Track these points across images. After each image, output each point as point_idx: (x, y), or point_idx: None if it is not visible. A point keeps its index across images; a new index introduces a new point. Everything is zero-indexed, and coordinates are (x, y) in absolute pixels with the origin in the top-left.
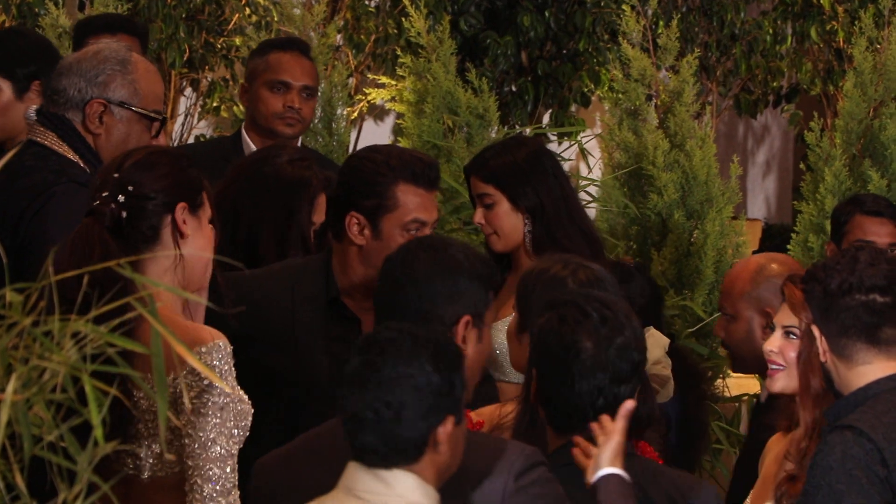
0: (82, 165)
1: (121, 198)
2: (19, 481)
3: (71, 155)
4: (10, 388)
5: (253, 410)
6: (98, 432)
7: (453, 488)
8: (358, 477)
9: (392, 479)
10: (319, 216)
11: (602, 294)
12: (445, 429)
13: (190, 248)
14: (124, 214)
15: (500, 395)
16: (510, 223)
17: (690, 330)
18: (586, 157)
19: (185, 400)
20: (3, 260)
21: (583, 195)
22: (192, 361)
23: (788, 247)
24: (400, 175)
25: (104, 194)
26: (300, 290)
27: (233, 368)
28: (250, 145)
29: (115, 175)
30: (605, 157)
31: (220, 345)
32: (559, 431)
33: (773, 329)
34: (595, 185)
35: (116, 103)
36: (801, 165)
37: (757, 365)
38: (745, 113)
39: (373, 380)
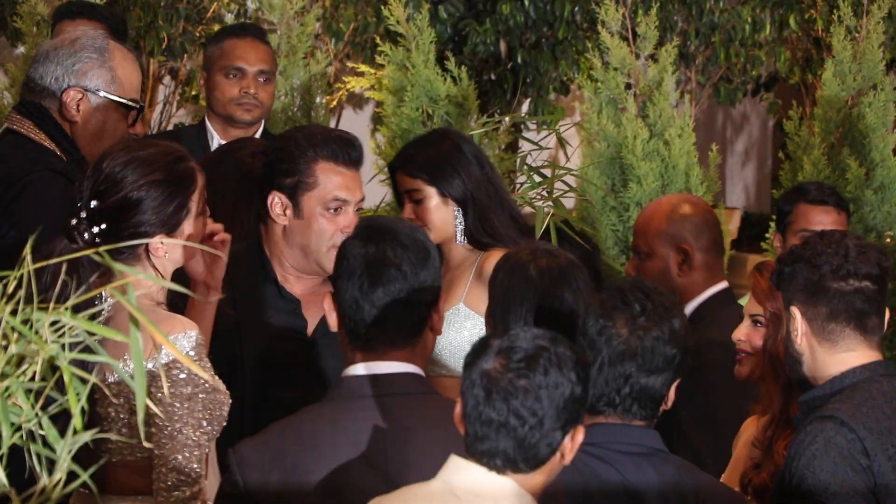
0: (59, 153)
1: (95, 229)
2: None
3: (48, 143)
4: None
5: (230, 401)
6: (77, 421)
7: None
8: (462, 475)
9: (492, 482)
10: None
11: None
12: (575, 439)
13: (166, 264)
14: (98, 241)
15: (440, 390)
16: (440, 216)
17: None
18: (565, 147)
19: (164, 388)
20: None
21: (560, 185)
22: (171, 349)
23: (767, 235)
24: (320, 153)
25: (82, 216)
26: (238, 278)
27: (205, 358)
28: (213, 133)
29: (94, 204)
30: (585, 147)
31: (192, 334)
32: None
33: (690, 266)
34: (574, 175)
35: (93, 91)
36: (780, 154)
37: None
38: (724, 101)
39: (521, 387)
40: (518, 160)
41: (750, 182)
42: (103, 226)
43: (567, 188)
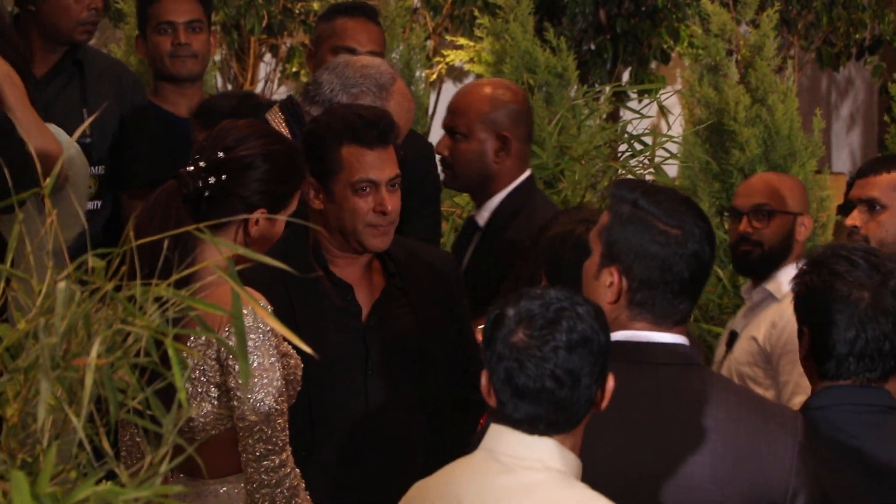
0: None
1: (211, 180)
2: (106, 445)
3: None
4: (94, 352)
5: (302, 365)
6: (182, 395)
7: (748, 437)
8: (503, 440)
9: (534, 444)
10: None
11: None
12: (606, 387)
13: (253, 245)
14: (206, 194)
15: None
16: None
17: None
18: (666, 115)
19: (260, 360)
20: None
21: (662, 152)
22: (272, 322)
23: None
24: (343, 136)
25: (200, 164)
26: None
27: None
28: None
29: (220, 155)
30: (686, 114)
31: (264, 304)
32: (828, 378)
33: (507, 153)
34: (675, 142)
35: None
36: (886, 118)
37: (479, 186)
38: (827, 66)
39: (551, 351)
40: (619, 129)
41: (856, 146)
42: (223, 177)
43: (668, 156)
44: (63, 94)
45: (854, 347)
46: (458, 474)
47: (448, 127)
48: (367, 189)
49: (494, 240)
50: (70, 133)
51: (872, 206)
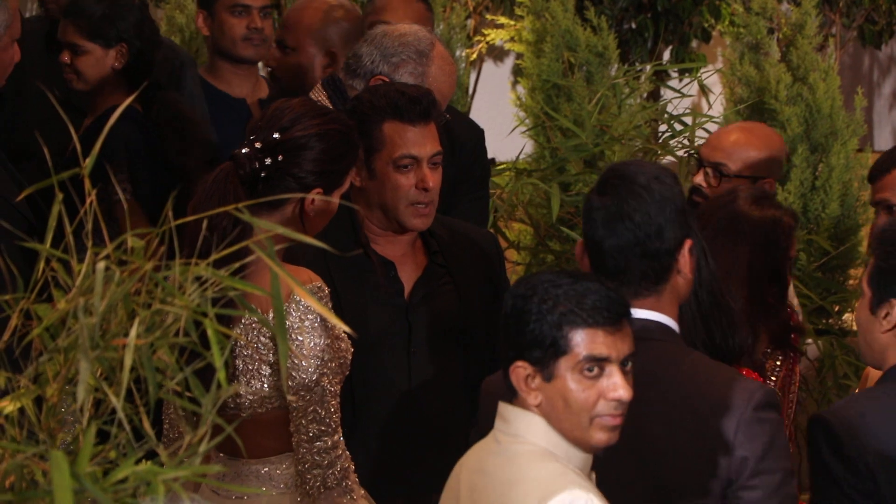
0: None
1: (267, 161)
2: (146, 425)
3: None
4: (134, 332)
5: (352, 349)
6: (221, 375)
7: (690, 412)
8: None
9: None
10: None
11: None
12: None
13: (309, 223)
14: (263, 175)
15: None
16: None
17: (816, 264)
18: (707, 94)
19: (313, 343)
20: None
21: (702, 132)
22: (314, 304)
23: None
24: (385, 113)
25: (256, 145)
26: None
27: (331, 308)
28: None
29: (276, 136)
30: (727, 93)
31: (318, 286)
32: None
33: (334, 70)
34: (715, 122)
35: None
36: None
37: (295, 89)
38: (869, 44)
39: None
40: (659, 109)
41: None
42: (279, 157)
43: (708, 135)
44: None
45: None
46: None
47: (278, 40)
48: (409, 166)
49: None
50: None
51: (889, 209)
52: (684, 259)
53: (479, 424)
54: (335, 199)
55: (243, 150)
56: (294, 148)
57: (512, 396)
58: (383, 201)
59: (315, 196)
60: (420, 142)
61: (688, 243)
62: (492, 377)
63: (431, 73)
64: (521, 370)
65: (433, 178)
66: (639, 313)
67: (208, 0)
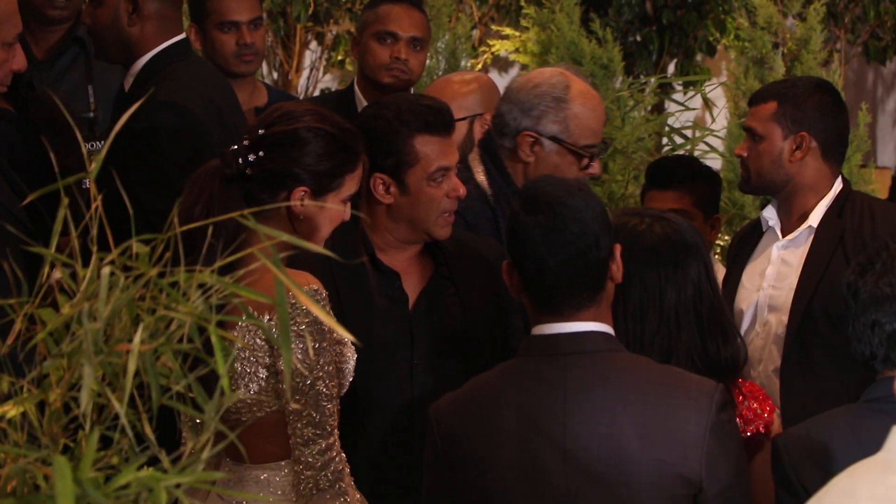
0: (485, 186)
1: (251, 157)
2: (148, 431)
3: (480, 175)
4: (138, 338)
5: (356, 354)
6: (225, 382)
7: (654, 418)
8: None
9: None
10: None
11: None
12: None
13: (302, 226)
14: (248, 172)
15: None
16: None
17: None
18: (711, 107)
19: (308, 345)
20: None
21: (704, 146)
22: (308, 303)
23: None
24: (415, 128)
25: (244, 143)
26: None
27: (331, 312)
28: (361, 100)
29: (261, 132)
30: (731, 107)
31: (315, 289)
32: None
33: (139, 15)
34: (717, 137)
35: (547, 137)
36: None
37: (121, 53)
38: (874, 60)
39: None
40: (661, 122)
41: None
42: (260, 153)
43: (709, 149)
44: (68, 71)
45: None
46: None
47: None
48: (442, 177)
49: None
50: (75, 110)
51: (753, 136)
52: (616, 265)
53: (439, 447)
54: (330, 205)
55: (231, 148)
56: (275, 143)
57: None
58: (415, 215)
59: (301, 195)
60: (450, 152)
61: (617, 248)
62: (439, 403)
63: (574, 114)
64: None
65: (462, 185)
66: (582, 325)
67: (198, 15)
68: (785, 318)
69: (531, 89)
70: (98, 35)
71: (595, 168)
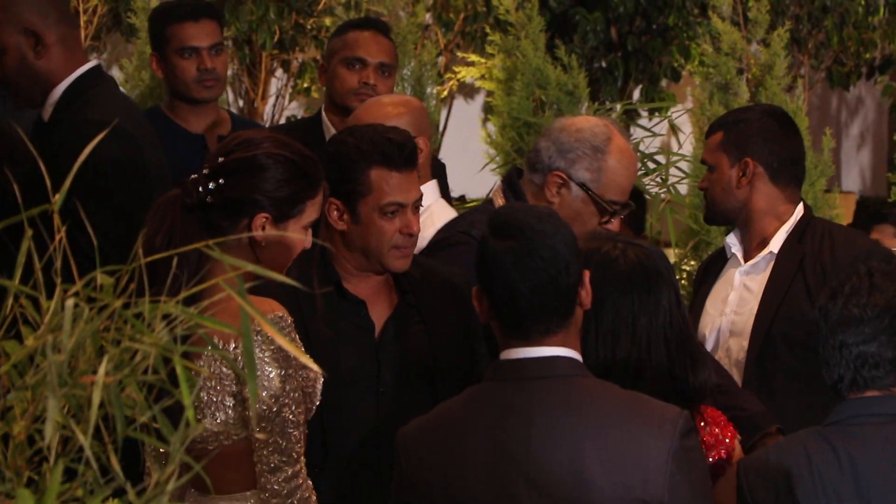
0: None
1: (211, 185)
2: (114, 462)
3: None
4: (102, 369)
5: (322, 378)
6: (190, 413)
7: (617, 443)
8: None
9: None
10: None
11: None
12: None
13: (264, 254)
14: (209, 200)
15: None
16: None
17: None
18: (677, 133)
19: (273, 374)
20: None
21: (675, 171)
22: (271, 332)
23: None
24: (372, 159)
25: (204, 171)
26: (299, 281)
27: (297, 338)
28: (329, 127)
29: (220, 160)
30: (697, 132)
31: (280, 315)
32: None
33: (44, 47)
34: (686, 161)
35: (577, 182)
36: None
37: (36, 89)
38: (837, 85)
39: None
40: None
41: (865, 166)
42: (220, 181)
43: (682, 175)
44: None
45: None
46: None
47: None
48: (395, 212)
49: (54, 132)
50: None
51: (708, 167)
52: (586, 291)
53: (406, 473)
54: (291, 234)
55: (192, 177)
56: (235, 170)
57: None
58: (366, 245)
59: (260, 229)
60: (406, 188)
61: (586, 274)
62: (405, 429)
63: (608, 166)
64: None
65: (416, 223)
66: (550, 350)
67: (158, 43)
68: (746, 343)
69: (573, 132)
70: (13, 82)
71: (614, 225)
